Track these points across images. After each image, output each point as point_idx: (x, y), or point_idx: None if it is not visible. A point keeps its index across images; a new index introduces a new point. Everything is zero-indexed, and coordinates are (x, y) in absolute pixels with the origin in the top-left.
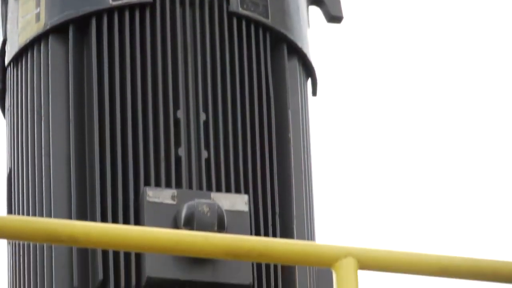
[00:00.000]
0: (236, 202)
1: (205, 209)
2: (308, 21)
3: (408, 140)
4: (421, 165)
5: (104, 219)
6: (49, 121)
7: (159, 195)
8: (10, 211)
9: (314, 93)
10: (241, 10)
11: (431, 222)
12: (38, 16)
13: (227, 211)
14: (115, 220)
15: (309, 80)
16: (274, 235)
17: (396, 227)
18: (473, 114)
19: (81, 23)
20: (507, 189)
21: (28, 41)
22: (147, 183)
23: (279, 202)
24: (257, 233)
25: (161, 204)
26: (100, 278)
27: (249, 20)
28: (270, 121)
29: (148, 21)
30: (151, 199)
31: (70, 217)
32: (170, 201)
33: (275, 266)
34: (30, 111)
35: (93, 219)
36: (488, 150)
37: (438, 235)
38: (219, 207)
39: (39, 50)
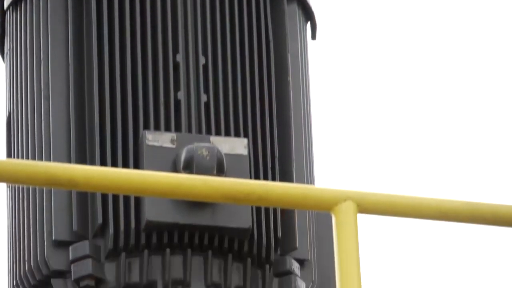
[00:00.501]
0: (235, 146)
1: (205, 152)
2: None
3: (408, 83)
4: (421, 107)
5: (103, 163)
6: (49, 65)
7: (158, 139)
8: (9, 154)
9: (314, 36)
10: None
11: (432, 166)
12: None
13: (226, 154)
14: (114, 164)
15: (309, 24)
16: (274, 179)
17: (397, 171)
18: (475, 53)
19: None
20: (506, 133)
21: None
22: (146, 127)
23: (279, 146)
24: (257, 177)
25: (160, 147)
26: (100, 222)
27: None
28: (270, 64)
29: None
30: (150, 143)
31: (69, 161)
32: (169, 145)
33: (274, 210)
34: (29, 54)
35: (92, 162)
36: (489, 93)
37: (438, 179)
38: (218, 151)
39: None
